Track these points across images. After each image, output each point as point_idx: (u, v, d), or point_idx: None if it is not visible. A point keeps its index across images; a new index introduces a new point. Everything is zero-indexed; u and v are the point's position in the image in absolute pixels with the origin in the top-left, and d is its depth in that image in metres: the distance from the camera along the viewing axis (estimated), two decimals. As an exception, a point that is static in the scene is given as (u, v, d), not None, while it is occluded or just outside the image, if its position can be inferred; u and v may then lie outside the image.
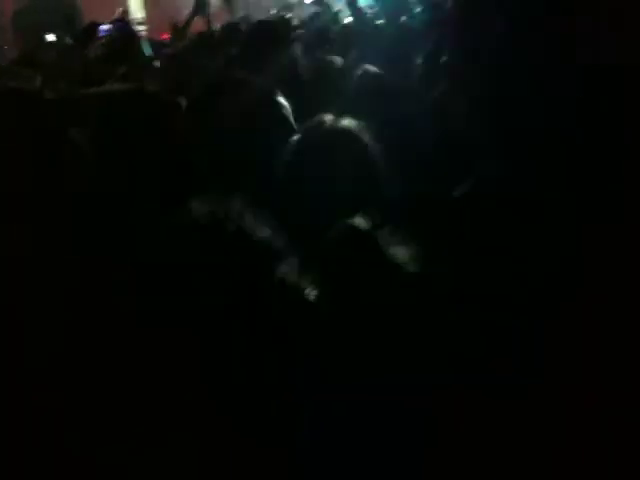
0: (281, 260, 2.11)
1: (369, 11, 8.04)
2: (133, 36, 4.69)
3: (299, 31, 6.62)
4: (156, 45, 5.71)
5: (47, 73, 5.34)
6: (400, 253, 2.16)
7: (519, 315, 2.16)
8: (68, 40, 6.47)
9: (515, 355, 2.12)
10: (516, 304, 2.18)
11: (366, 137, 2.76)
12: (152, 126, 2.90)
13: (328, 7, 8.05)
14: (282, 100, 3.21)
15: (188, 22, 5.04)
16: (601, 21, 2.41)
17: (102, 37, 5.30)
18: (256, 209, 2.11)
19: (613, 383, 2.02)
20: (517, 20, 2.46)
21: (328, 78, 4.09)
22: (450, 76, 2.82)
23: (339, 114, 2.90)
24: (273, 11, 12.87)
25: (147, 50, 5.24)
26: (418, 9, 6.81)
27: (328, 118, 2.88)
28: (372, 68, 3.84)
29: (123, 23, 4.78)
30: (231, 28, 6.03)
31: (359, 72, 3.70)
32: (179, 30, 5.09)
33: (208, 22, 5.91)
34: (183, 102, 3.29)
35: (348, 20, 8.31)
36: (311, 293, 2.13)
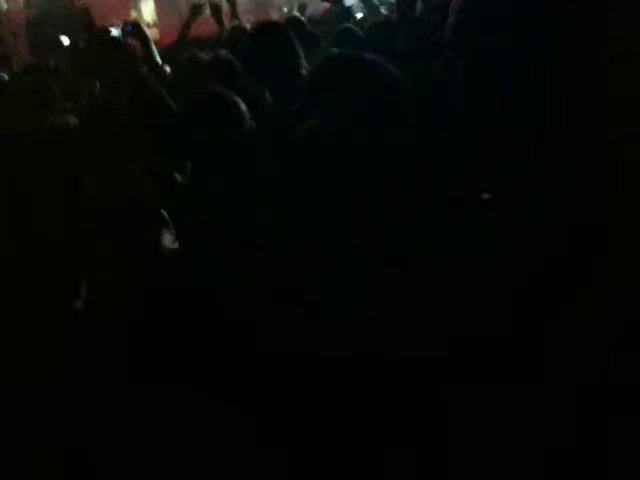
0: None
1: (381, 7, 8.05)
2: (146, 39, 4.65)
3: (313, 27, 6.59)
4: (163, 50, 5.74)
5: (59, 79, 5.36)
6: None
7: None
8: (81, 44, 6.47)
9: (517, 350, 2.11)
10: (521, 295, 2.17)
11: None
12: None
13: (341, 3, 8.00)
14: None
15: (185, 26, 4.96)
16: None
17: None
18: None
19: (613, 380, 2.00)
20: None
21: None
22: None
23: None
24: (285, 9, 12.89)
25: (156, 55, 5.25)
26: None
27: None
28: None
29: (133, 27, 4.73)
30: (236, 30, 6.01)
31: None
32: (180, 34, 5.04)
33: (220, 24, 5.82)
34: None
35: (361, 15, 8.33)
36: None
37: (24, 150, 2.56)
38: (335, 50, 3.23)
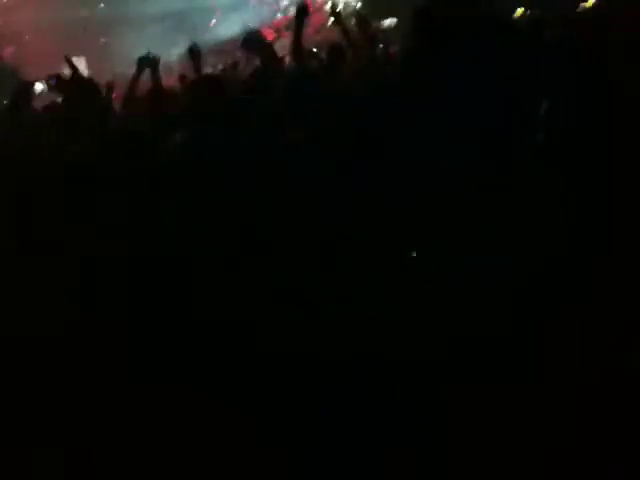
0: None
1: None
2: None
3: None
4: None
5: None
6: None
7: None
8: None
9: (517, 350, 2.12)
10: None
11: None
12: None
13: None
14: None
15: (133, 83, 4.55)
16: None
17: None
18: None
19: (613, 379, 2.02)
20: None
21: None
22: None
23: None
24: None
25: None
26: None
27: None
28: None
29: (57, 80, 4.37)
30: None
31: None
32: (127, 93, 4.63)
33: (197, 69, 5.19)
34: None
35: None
36: None
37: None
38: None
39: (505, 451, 2.04)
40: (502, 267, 2.19)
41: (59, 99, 4.09)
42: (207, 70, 5.22)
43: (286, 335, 2.19)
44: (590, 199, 2.26)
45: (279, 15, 13.07)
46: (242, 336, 2.20)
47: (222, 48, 10.61)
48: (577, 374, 2.07)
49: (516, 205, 2.24)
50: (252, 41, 4.10)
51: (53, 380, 2.25)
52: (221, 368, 2.19)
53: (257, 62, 4.23)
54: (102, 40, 13.43)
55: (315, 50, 5.00)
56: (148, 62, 4.69)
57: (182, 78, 5.42)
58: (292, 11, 6.88)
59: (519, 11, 5.14)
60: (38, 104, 4.26)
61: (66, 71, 4.36)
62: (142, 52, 4.69)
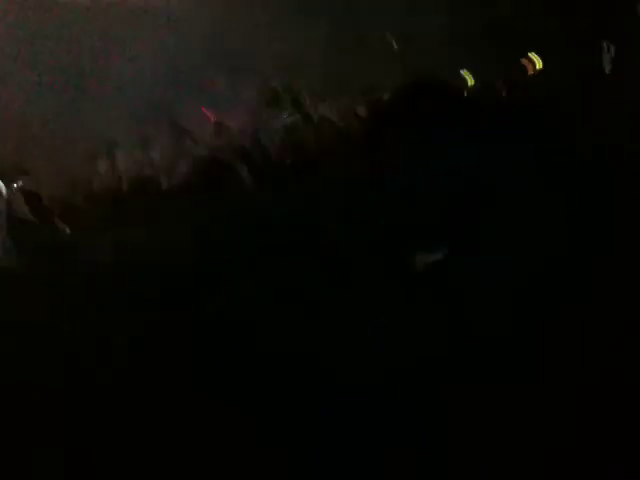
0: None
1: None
2: None
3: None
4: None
5: None
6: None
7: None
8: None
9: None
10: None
11: None
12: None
13: None
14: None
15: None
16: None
17: None
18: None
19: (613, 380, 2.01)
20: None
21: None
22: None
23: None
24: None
25: None
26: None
27: None
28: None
29: None
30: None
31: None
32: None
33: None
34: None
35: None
36: None
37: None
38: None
39: (505, 451, 2.04)
40: (502, 267, 2.19)
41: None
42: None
43: (286, 335, 2.19)
44: (589, 199, 2.27)
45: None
46: (242, 336, 2.21)
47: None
48: (577, 374, 2.07)
49: (516, 205, 2.24)
50: None
51: (53, 380, 2.25)
52: (221, 368, 2.20)
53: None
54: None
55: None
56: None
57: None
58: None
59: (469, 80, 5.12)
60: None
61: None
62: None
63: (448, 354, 2.15)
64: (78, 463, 2.17)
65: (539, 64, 4.84)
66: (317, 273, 2.34)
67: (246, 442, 2.14)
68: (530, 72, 4.88)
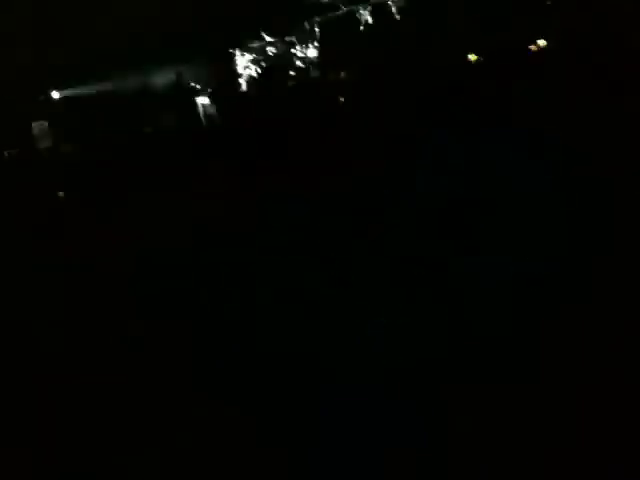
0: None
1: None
2: None
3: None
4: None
5: None
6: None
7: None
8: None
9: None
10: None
11: None
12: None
13: None
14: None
15: None
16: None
17: None
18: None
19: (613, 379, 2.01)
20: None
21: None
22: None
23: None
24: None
25: None
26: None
27: None
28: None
29: None
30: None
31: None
32: None
33: None
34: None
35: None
36: None
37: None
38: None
39: (505, 451, 2.03)
40: (502, 267, 2.19)
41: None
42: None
43: (286, 335, 2.19)
44: (589, 200, 2.27)
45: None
46: (242, 336, 2.21)
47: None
48: (577, 374, 2.07)
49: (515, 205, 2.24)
50: None
51: (53, 380, 2.25)
52: (221, 368, 2.19)
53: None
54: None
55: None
56: None
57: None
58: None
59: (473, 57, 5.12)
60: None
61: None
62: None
63: (448, 354, 2.15)
64: (78, 463, 2.17)
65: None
66: (317, 273, 2.34)
67: (246, 442, 2.14)
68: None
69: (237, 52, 8.78)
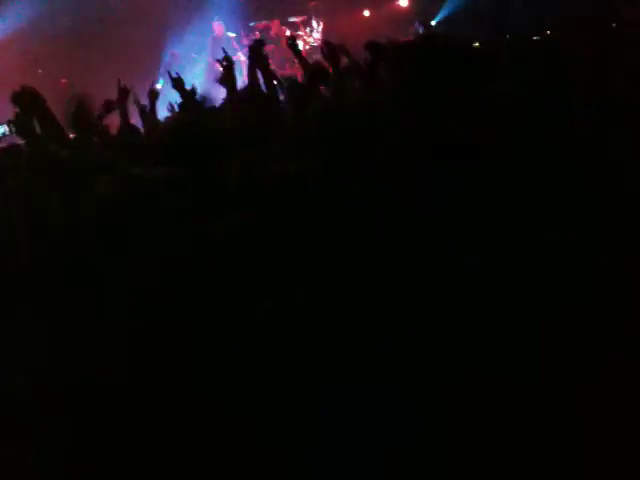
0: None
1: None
2: None
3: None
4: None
5: None
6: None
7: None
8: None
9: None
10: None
11: None
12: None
13: None
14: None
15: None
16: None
17: None
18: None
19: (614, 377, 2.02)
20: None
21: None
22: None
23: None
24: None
25: None
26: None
27: None
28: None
29: None
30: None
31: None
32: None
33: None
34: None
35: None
36: None
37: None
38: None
39: (505, 451, 2.04)
40: (502, 267, 2.19)
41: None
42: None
43: (286, 335, 2.19)
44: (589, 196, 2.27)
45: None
46: (242, 336, 2.21)
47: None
48: (577, 374, 2.07)
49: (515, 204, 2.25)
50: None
51: (53, 380, 2.26)
52: (221, 368, 2.20)
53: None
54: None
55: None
56: None
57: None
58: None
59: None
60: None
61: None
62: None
63: (448, 354, 2.15)
64: (78, 462, 2.18)
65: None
66: (317, 272, 2.34)
67: (246, 442, 2.14)
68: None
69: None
